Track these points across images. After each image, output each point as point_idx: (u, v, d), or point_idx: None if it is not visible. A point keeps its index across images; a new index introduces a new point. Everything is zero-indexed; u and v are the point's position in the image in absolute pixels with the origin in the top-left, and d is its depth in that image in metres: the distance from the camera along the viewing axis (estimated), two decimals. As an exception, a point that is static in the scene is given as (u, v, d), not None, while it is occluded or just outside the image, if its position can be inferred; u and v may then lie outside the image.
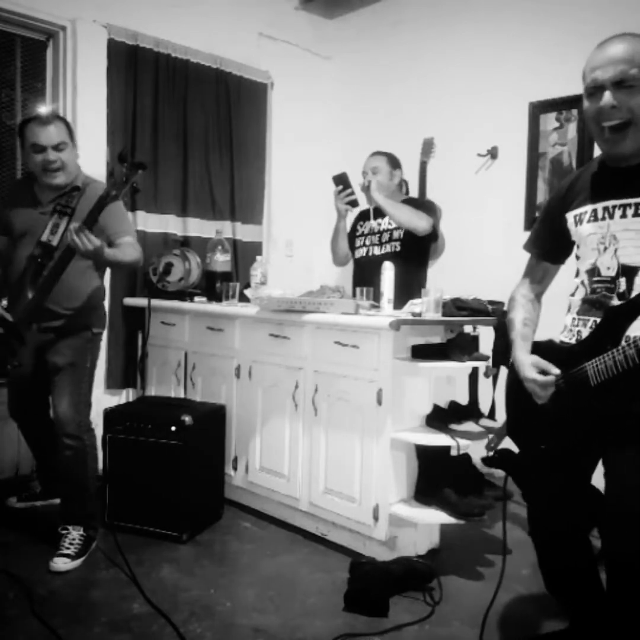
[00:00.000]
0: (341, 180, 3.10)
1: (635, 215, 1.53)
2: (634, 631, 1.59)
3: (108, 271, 3.24)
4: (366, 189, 3.06)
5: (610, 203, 1.59)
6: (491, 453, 2.64)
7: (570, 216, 1.70)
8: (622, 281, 1.56)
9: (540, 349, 1.75)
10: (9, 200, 2.69)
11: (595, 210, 1.62)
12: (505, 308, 2.75)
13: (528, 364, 1.69)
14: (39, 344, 2.53)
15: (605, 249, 1.59)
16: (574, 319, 1.70)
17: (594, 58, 1.56)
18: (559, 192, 1.78)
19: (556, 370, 1.63)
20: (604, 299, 1.60)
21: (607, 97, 1.51)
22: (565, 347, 1.70)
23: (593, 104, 1.55)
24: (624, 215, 1.56)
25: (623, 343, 1.49)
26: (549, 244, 1.82)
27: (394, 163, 3.20)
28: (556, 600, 1.93)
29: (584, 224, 1.65)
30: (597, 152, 1.72)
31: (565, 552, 1.81)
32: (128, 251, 2.52)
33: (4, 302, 2.54)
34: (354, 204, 3.13)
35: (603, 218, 1.60)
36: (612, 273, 1.59)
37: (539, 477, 1.79)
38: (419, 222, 2.98)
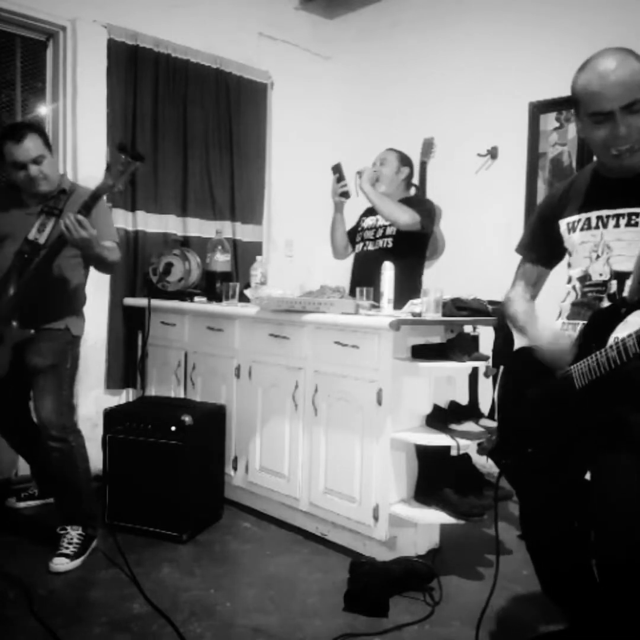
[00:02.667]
0: (337, 171, 3.13)
1: (628, 225, 1.56)
2: (628, 632, 1.60)
3: (107, 276, 3.24)
4: (359, 177, 3.06)
5: (603, 213, 1.61)
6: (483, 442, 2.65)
7: (563, 223, 1.72)
8: (613, 283, 1.58)
9: (531, 353, 1.74)
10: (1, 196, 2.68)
11: (588, 219, 1.64)
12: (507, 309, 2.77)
13: (545, 334, 1.67)
14: (18, 343, 2.47)
15: (598, 257, 1.61)
16: (563, 323, 1.72)
17: (593, 83, 1.52)
18: (552, 198, 1.79)
19: (568, 335, 1.61)
20: (594, 301, 1.62)
21: (621, 125, 1.50)
22: None
23: (602, 131, 1.53)
24: (617, 225, 1.58)
25: (608, 345, 1.48)
26: (544, 248, 1.83)
27: (403, 160, 3.23)
28: (553, 603, 1.93)
29: (577, 232, 1.67)
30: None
31: (556, 553, 1.82)
32: (113, 252, 2.53)
33: None
34: (346, 195, 3.15)
35: (597, 227, 1.62)
36: (604, 278, 1.60)
37: (527, 478, 1.79)
38: (401, 216, 2.99)
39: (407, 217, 2.99)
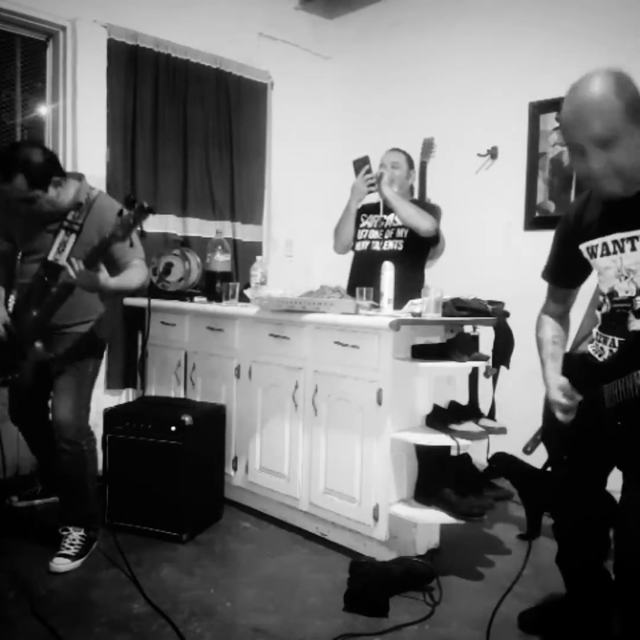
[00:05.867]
0: (364, 163, 3.11)
1: None
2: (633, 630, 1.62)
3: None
4: (378, 179, 3.05)
5: (618, 236, 1.62)
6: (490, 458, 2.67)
7: (583, 248, 1.74)
8: (639, 300, 1.61)
9: (572, 362, 1.81)
10: (11, 210, 2.59)
11: (605, 244, 1.66)
12: (505, 308, 2.78)
13: (555, 387, 1.75)
14: (41, 362, 2.51)
15: (626, 278, 1.64)
16: (597, 333, 1.76)
17: (568, 113, 1.51)
18: (568, 222, 1.80)
19: (579, 397, 1.69)
20: (621, 316, 1.65)
21: (592, 160, 1.49)
22: (592, 364, 1.74)
23: (581, 163, 1.53)
24: (633, 248, 1.59)
25: None
26: (564, 273, 1.87)
27: (411, 162, 3.24)
28: (561, 572, 1.98)
29: (598, 257, 1.69)
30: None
31: (581, 546, 1.89)
32: (132, 277, 2.47)
33: (10, 305, 2.53)
34: (373, 187, 3.10)
35: (614, 252, 1.64)
36: (630, 294, 1.63)
37: (560, 482, 1.86)
38: (423, 222, 2.98)
39: (428, 224, 2.98)
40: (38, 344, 2.43)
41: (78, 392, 2.52)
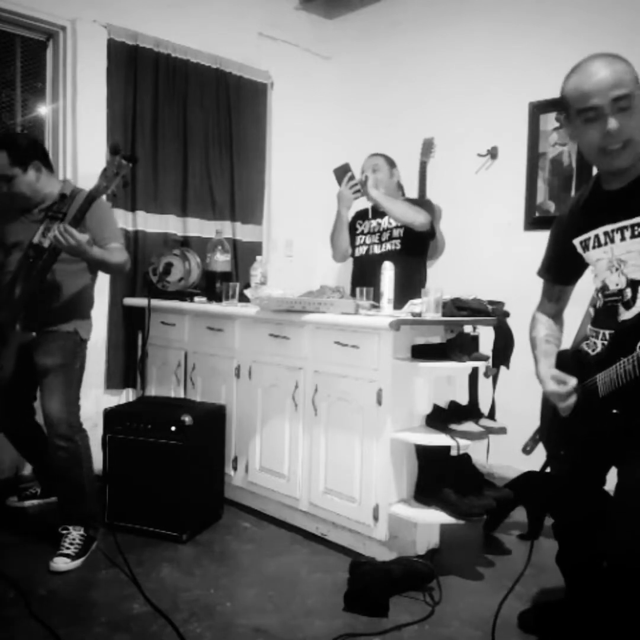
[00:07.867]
0: (345, 171, 3.12)
1: (632, 236, 1.60)
2: (633, 629, 1.61)
3: (107, 276, 3.25)
4: (363, 184, 3.06)
5: (609, 228, 1.66)
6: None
7: (576, 242, 1.77)
8: (628, 291, 1.65)
9: (566, 358, 1.84)
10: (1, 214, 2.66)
11: (597, 236, 1.70)
12: (505, 308, 2.78)
13: (548, 378, 1.77)
14: (23, 345, 2.49)
15: (617, 269, 1.67)
16: (590, 328, 1.79)
17: (583, 81, 1.56)
18: (562, 219, 1.85)
19: (574, 381, 1.70)
20: (612, 309, 1.69)
21: (611, 119, 1.53)
22: (585, 358, 1.77)
23: (593, 130, 1.57)
24: (623, 238, 1.63)
25: (633, 354, 1.53)
26: (560, 269, 1.90)
27: (392, 163, 3.25)
28: (561, 571, 2.00)
29: (590, 250, 1.73)
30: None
31: (581, 546, 1.89)
32: (113, 253, 2.50)
33: None
34: (359, 193, 3.12)
35: (605, 243, 1.67)
36: (620, 287, 1.67)
37: (560, 479, 1.88)
38: (416, 216, 3.00)
39: (422, 218, 3.01)
40: (18, 326, 2.43)
41: (67, 389, 2.54)
